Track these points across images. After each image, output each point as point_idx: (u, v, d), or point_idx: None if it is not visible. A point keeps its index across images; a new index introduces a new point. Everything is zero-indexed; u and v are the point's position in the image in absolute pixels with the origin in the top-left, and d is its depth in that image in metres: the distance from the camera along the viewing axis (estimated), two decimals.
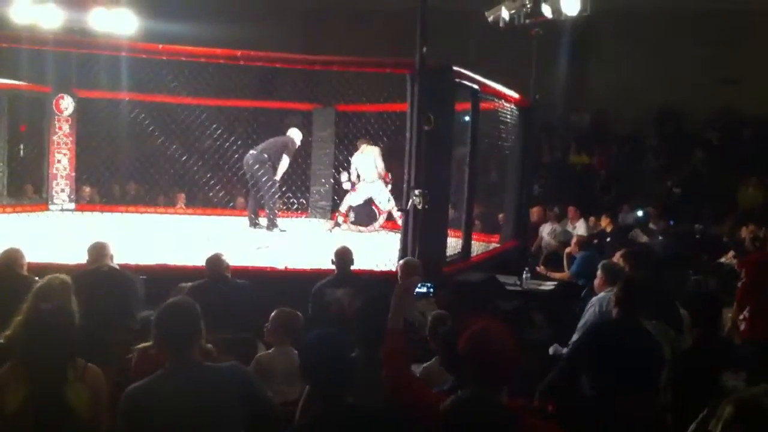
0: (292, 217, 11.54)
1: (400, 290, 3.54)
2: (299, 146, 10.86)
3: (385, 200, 10.57)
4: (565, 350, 5.34)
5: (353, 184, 10.85)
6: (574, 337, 5.31)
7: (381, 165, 10.53)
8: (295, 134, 10.76)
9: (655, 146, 15.48)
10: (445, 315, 4.90)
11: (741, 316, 6.62)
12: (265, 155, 10.30)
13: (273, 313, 4.97)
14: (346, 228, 10.76)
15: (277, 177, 10.47)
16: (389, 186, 10.56)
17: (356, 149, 10.95)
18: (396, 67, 7.83)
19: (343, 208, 10.83)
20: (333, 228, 10.68)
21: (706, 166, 14.39)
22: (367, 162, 10.58)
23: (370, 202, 10.86)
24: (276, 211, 10.50)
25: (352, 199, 10.81)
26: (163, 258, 7.29)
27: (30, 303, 4.28)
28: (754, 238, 9.01)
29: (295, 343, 4.88)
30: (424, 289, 5.57)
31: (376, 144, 10.75)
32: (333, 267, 6.58)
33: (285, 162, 10.49)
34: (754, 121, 14.70)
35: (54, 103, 11.49)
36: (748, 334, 6.46)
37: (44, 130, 11.63)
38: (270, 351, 4.90)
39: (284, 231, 10.29)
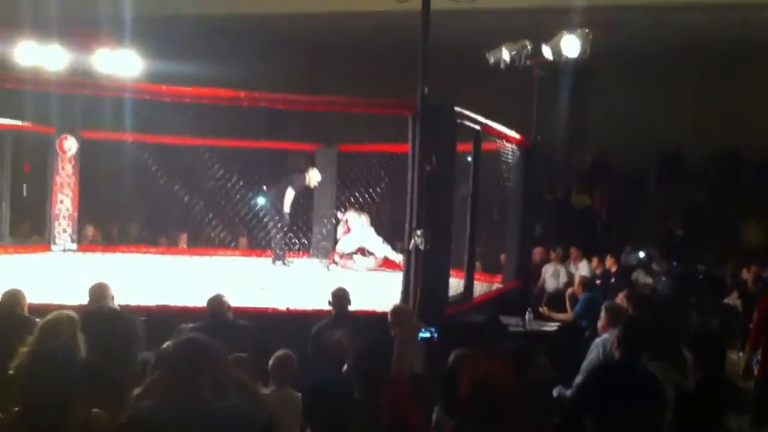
0: (293, 257, 11.53)
1: (402, 336, 3.52)
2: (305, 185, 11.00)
3: (378, 246, 10.78)
4: (569, 392, 5.29)
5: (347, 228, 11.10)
6: (578, 378, 5.26)
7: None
8: (313, 173, 11.01)
9: (657, 187, 15.50)
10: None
11: (755, 359, 6.56)
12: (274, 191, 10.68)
13: (274, 356, 4.96)
14: (343, 266, 10.89)
15: (286, 208, 10.69)
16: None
17: (357, 190, 11.11)
18: (397, 108, 7.87)
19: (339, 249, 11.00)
20: (329, 265, 10.88)
21: (707, 207, 14.39)
22: (361, 223, 10.98)
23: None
24: (282, 246, 10.75)
25: (344, 245, 10.86)
26: (164, 299, 7.26)
27: (37, 337, 4.26)
28: (756, 278, 8.98)
29: (295, 385, 4.87)
30: (427, 334, 5.53)
31: (363, 212, 11.15)
32: (330, 308, 6.57)
33: (289, 194, 10.66)
34: (754, 160, 14.74)
35: (58, 143, 11.56)
36: (761, 377, 6.39)
37: (47, 171, 11.67)
38: (269, 391, 4.87)
39: (286, 265, 10.53)
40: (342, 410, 3.10)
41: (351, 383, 5.27)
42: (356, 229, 11.02)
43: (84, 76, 11.01)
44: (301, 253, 11.73)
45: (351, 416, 3.15)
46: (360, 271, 10.86)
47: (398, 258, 9.87)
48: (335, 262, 10.94)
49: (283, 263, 10.85)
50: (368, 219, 11.13)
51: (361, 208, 11.29)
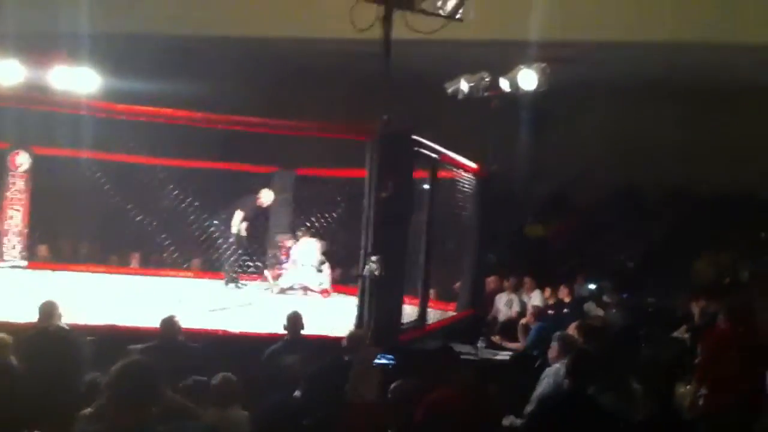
0: (247, 280, 11.45)
1: (359, 363, 3.51)
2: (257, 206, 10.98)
3: (317, 283, 10.89)
4: (519, 422, 5.30)
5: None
6: (529, 408, 5.29)
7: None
8: (264, 193, 11.00)
9: (611, 220, 15.72)
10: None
11: (699, 393, 6.63)
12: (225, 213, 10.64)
13: (217, 378, 4.88)
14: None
15: (233, 230, 10.71)
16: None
17: (313, 214, 11.06)
18: (355, 133, 7.90)
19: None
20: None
21: (659, 241, 14.62)
22: (308, 250, 10.92)
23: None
24: (230, 267, 10.81)
25: (284, 280, 10.96)
26: (114, 319, 7.15)
27: None
28: (702, 312, 9.12)
29: (241, 407, 4.81)
30: (384, 361, 5.52)
31: (317, 237, 11.21)
32: (285, 332, 6.53)
33: (236, 216, 10.69)
34: (707, 196, 15.06)
35: (9, 158, 11.36)
36: (706, 410, 6.47)
37: None
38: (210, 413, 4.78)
39: (238, 287, 10.66)
40: None
41: (301, 407, 5.24)
42: (296, 265, 11.01)
43: (40, 92, 10.86)
44: (255, 276, 11.64)
45: None
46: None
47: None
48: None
49: (236, 285, 10.79)
50: (320, 244, 11.09)
51: (314, 234, 11.26)
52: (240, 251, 10.98)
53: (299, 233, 11.26)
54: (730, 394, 6.04)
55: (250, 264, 11.66)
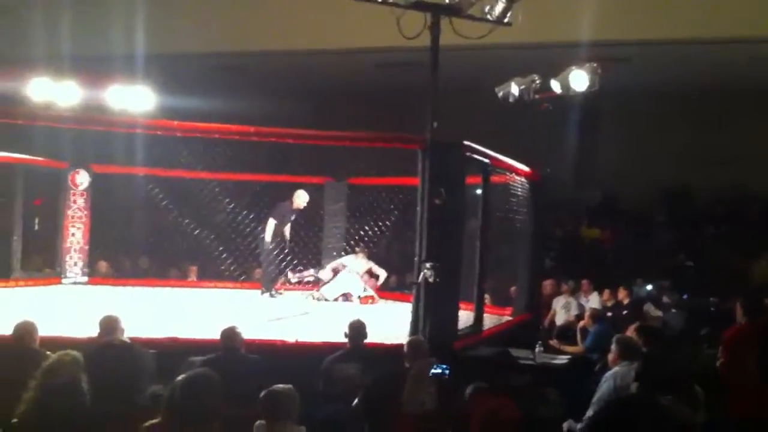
0: (304, 289, 11.56)
1: (416, 372, 3.51)
2: (301, 212, 11.17)
3: (360, 291, 10.98)
4: (579, 426, 5.25)
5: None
6: (589, 412, 5.23)
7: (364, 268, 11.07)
8: (296, 196, 11.01)
9: (665, 222, 15.49)
10: None
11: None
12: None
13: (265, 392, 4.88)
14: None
15: (267, 239, 10.77)
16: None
17: (366, 223, 11.30)
18: (407, 143, 7.92)
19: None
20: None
21: (716, 241, 14.37)
22: (358, 264, 11.09)
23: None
24: (270, 276, 10.94)
25: (328, 292, 11.03)
26: (174, 331, 7.27)
27: (40, 380, 4.25)
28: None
29: (298, 420, 4.82)
30: (438, 371, 5.52)
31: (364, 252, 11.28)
32: (345, 340, 6.55)
33: (269, 225, 10.76)
34: (762, 196, 14.76)
35: (70, 177, 11.66)
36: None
37: (59, 204, 11.76)
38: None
39: (273, 297, 10.77)
40: None
41: (359, 419, 5.25)
42: (341, 276, 11.11)
43: (96, 112, 11.13)
44: (311, 286, 11.72)
45: None
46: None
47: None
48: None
49: (271, 295, 10.89)
50: (365, 255, 11.21)
51: (364, 248, 11.39)
52: (276, 260, 11.08)
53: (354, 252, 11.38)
54: None
55: (300, 269, 11.75)
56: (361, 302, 10.87)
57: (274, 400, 4.78)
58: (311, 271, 11.47)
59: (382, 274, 11.29)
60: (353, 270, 11.08)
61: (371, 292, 11.04)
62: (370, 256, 11.39)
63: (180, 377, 3.29)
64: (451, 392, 5.00)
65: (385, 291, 11.79)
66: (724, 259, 13.41)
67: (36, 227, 12.49)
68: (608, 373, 5.60)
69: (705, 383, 4.78)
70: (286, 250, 11.23)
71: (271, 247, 10.86)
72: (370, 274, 11.27)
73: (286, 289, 11.52)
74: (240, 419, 4.89)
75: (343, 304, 10.63)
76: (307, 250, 11.77)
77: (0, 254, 11.24)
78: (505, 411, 3.04)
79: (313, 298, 10.99)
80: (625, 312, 10.32)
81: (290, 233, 11.24)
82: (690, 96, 14.64)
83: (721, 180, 14.81)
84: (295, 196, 11.02)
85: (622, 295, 11.04)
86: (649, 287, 12.05)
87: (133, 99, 11.80)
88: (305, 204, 11.10)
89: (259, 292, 11.02)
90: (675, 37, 12.04)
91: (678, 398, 4.93)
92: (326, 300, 10.95)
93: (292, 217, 11.14)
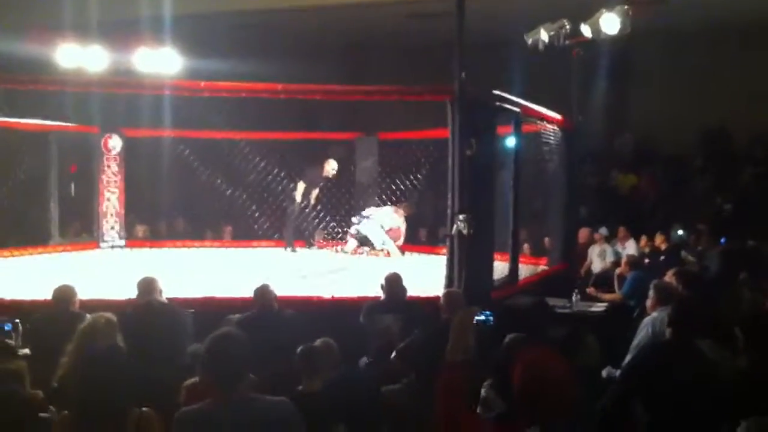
0: (336, 246, 11.62)
1: (460, 322, 3.48)
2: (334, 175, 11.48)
3: (379, 242, 11.13)
4: (618, 372, 5.22)
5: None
6: (627, 358, 5.20)
7: (396, 224, 11.25)
8: (327, 163, 11.40)
9: (703, 165, 15.22)
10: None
11: None
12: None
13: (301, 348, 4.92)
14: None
15: (297, 199, 11.27)
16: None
17: (398, 177, 11.39)
18: (435, 94, 7.82)
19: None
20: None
21: (756, 183, 14.09)
22: (388, 217, 11.24)
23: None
24: (291, 234, 11.41)
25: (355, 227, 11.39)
26: (211, 291, 7.34)
27: (76, 343, 4.30)
28: None
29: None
30: (482, 318, 5.51)
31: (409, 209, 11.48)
32: (381, 293, 6.57)
33: (299, 187, 11.22)
34: None
35: (102, 142, 11.73)
36: None
37: (94, 170, 11.86)
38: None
39: (294, 251, 11.23)
40: (367, 406, 3.10)
41: (378, 377, 5.24)
42: (363, 223, 11.33)
43: (125, 76, 11.16)
44: (343, 242, 11.77)
45: (377, 412, 3.15)
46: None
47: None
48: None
49: (292, 250, 11.31)
50: (402, 213, 11.28)
51: (408, 205, 11.51)
52: (298, 220, 11.48)
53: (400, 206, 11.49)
54: None
55: (339, 230, 11.81)
56: (369, 254, 11.05)
57: (310, 356, 4.84)
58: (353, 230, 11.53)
59: (393, 239, 11.31)
60: (378, 220, 11.16)
61: (390, 247, 11.04)
62: (410, 217, 11.47)
63: (207, 339, 3.33)
64: (493, 340, 4.99)
65: (417, 244, 11.82)
66: (763, 201, 13.16)
67: (72, 193, 12.62)
68: (646, 319, 5.56)
69: (747, 327, 4.69)
70: (309, 211, 11.65)
71: (297, 207, 11.29)
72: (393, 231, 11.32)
73: (319, 246, 11.70)
74: (278, 374, 4.95)
75: (379, 260, 10.65)
76: (339, 206, 11.82)
77: (38, 221, 11.42)
78: (545, 358, 3.01)
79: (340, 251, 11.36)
80: (662, 258, 10.23)
81: (318, 196, 11.59)
82: (726, 35, 14.26)
83: (759, 120, 14.46)
84: (326, 163, 11.38)
85: (659, 241, 10.92)
86: (680, 232, 11.88)
87: (161, 62, 11.78)
88: (334, 172, 11.47)
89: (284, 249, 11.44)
90: None
91: (716, 342, 4.87)
92: (344, 252, 11.25)
93: (321, 183, 11.52)
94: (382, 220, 11.21)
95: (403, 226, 11.31)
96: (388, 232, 11.16)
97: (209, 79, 8.36)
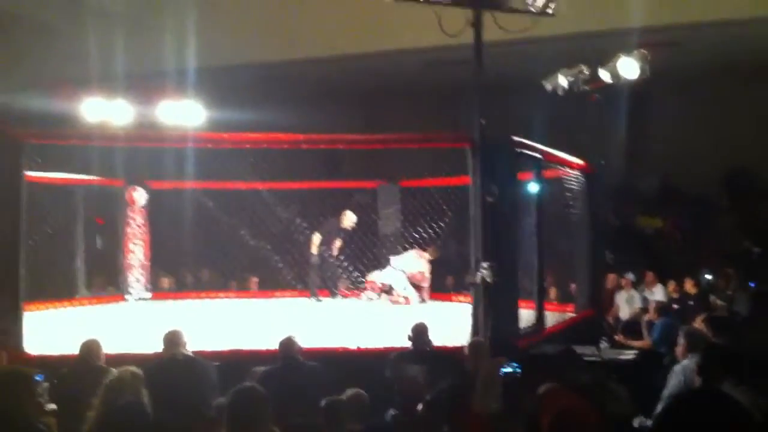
0: (361, 293, 11.59)
1: (486, 372, 3.44)
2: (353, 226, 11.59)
3: (401, 288, 11.12)
4: (649, 422, 5.12)
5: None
6: (659, 407, 5.10)
7: (420, 268, 11.21)
8: (344, 216, 11.52)
9: (728, 205, 15.08)
10: None
11: None
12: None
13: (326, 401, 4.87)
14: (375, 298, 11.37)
15: (313, 251, 11.39)
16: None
17: (420, 225, 11.41)
18: (456, 142, 7.85)
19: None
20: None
21: None
22: (413, 262, 11.22)
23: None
24: (316, 284, 11.51)
25: (378, 276, 11.38)
26: (237, 343, 7.32)
27: (102, 398, 4.30)
28: None
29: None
30: (509, 369, 5.44)
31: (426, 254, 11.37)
32: (408, 344, 6.52)
33: (314, 239, 11.35)
34: None
35: (127, 195, 11.83)
36: None
37: (119, 222, 11.95)
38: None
39: (319, 301, 11.23)
40: None
41: (427, 421, 5.19)
42: (386, 270, 11.34)
43: (149, 128, 11.30)
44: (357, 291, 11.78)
45: None
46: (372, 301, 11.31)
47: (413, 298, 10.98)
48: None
49: (317, 300, 11.37)
50: (428, 257, 11.22)
51: (434, 249, 11.43)
52: (320, 269, 11.56)
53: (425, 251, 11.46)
54: None
55: (363, 280, 11.78)
56: (390, 300, 10.99)
57: (334, 408, 4.79)
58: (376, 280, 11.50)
59: (418, 282, 11.29)
60: (400, 266, 11.14)
61: (410, 294, 11.02)
62: (437, 263, 11.45)
63: (229, 393, 3.35)
64: (521, 391, 4.92)
65: (443, 292, 11.75)
66: None
67: (98, 246, 12.71)
68: (677, 367, 5.46)
69: None
70: (334, 260, 11.68)
71: (316, 258, 11.42)
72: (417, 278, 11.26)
73: (343, 295, 11.70)
74: (302, 427, 4.90)
75: (404, 309, 10.58)
76: (362, 255, 11.81)
77: (64, 274, 11.48)
78: (575, 407, 2.96)
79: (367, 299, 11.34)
80: (691, 303, 10.08)
81: (341, 246, 11.67)
82: (744, 74, 14.23)
83: None
84: (343, 215, 11.49)
85: (688, 285, 10.77)
86: (707, 276, 11.73)
87: (184, 114, 11.95)
88: (353, 224, 11.57)
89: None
90: (725, 17, 11.72)
91: (748, 387, 4.77)
92: (370, 299, 11.21)
93: (340, 235, 11.61)
94: (405, 266, 11.17)
95: (427, 270, 11.25)
96: (411, 276, 11.11)
97: (232, 129, 8.46)
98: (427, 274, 11.27)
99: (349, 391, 5.02)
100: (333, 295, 11.65)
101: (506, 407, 4.96)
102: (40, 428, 3.95)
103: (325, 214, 11.78)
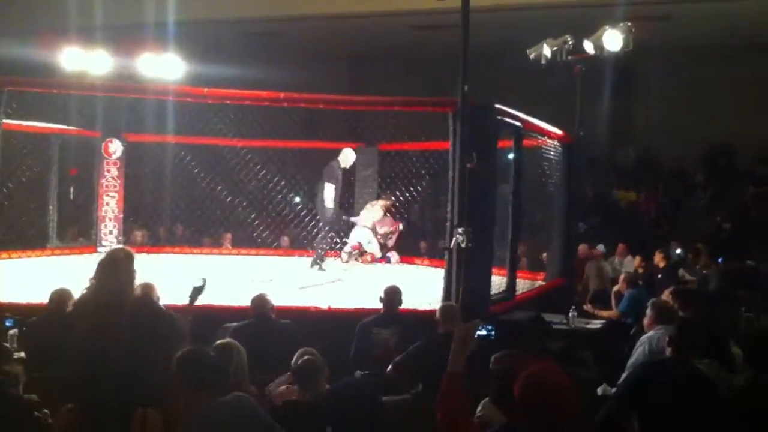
0: (335, 256, 11.57)
1: (461, 335, 3.47)
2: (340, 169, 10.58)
3: (366, 243, 11.22)
4: (613, 390, 5.21)
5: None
6: (624, 375, 5.19)
7: (378, 216, 11.20)
8: (342, 154, 10.57)
9: (704, 182, 15.23)
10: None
11: None
12: (317, 191, 10.49)
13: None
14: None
15: (328, 205, 10.26)
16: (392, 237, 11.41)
17: (398, 189, 11.26)
18: (438, 106, 7.84)
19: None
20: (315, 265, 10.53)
21: (757, 202, 14.09)
22: (370, 213, 11.21)
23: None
24: (322, 249, 10.53)
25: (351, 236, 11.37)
26: (209, 299, 7.31)
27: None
28: None
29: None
30: (484, 332, 5.48)
31: (388, 199, 11.38)
32: (379, 306, 6.55)
33: (328, 189, 10.24)
34: None
35: (103, 146, 11.72)
36: None
37: (94, 174, 11.85)
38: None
39: (322, 270, 10.29)
40: (368, 415, 3.12)
41: (378, 387, 5.24)
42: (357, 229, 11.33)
43: (128, 80, 11.17)
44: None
45: (378, 422, 3.17)
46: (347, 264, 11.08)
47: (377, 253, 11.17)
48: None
49: (320, 268, 10.36)
50: (382, 205, 11.26)
51: (386, 197, 11.48)
52: (327, 228, 10.59)
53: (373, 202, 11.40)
54: None
55: (338, 241, 11.75)
56: (361, 261, 11.13)
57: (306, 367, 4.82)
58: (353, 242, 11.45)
59: (385, 229, 11.35)
60: (361, 222, 11.26)
61: (374, 249, 11.16)
62: (393, 209, 11.42)
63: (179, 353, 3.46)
64: (491, 354, 4.97)
65: (417, 256, 11.82)
66: (763, 221, 13.17)
67: (71, 197, 12.60)
68: (643, 337, 5.54)
69: (746, 346, 4.70)
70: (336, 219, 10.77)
71: (333, 214, 10.40)
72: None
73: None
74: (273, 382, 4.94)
75: (377, 270, 10.63)
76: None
77: (36, 224, 11.39)
78: (543, 373, 3.01)
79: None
80: (659, 276, 10.22)
81: (393, 230, 11.51)
82: (727, 52, 14.28)
83: (762, 137, 14.47)
84: (342, 155, 10.55)
85: (657, 259, 10.90)
86: (678, 251, 11.88)
87: (165, 67, 11.82)
88: (352, 163, 10.73)
89: (310, 263, 10.50)
90: None
91: (714, 361, 4.87)
92: (344, 262, 11.09)
93: (342, 180, 10.62)
94: (364, 220, 11.28)
95: (386, 223, 11.36)
96: (373, 229, 11.25)
97: (212, 85, 8.36)
98: (388, 225, 11.33)
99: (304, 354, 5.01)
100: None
101: (478, 369, 5.02)
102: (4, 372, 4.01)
103: (304, 174, 11.64)
